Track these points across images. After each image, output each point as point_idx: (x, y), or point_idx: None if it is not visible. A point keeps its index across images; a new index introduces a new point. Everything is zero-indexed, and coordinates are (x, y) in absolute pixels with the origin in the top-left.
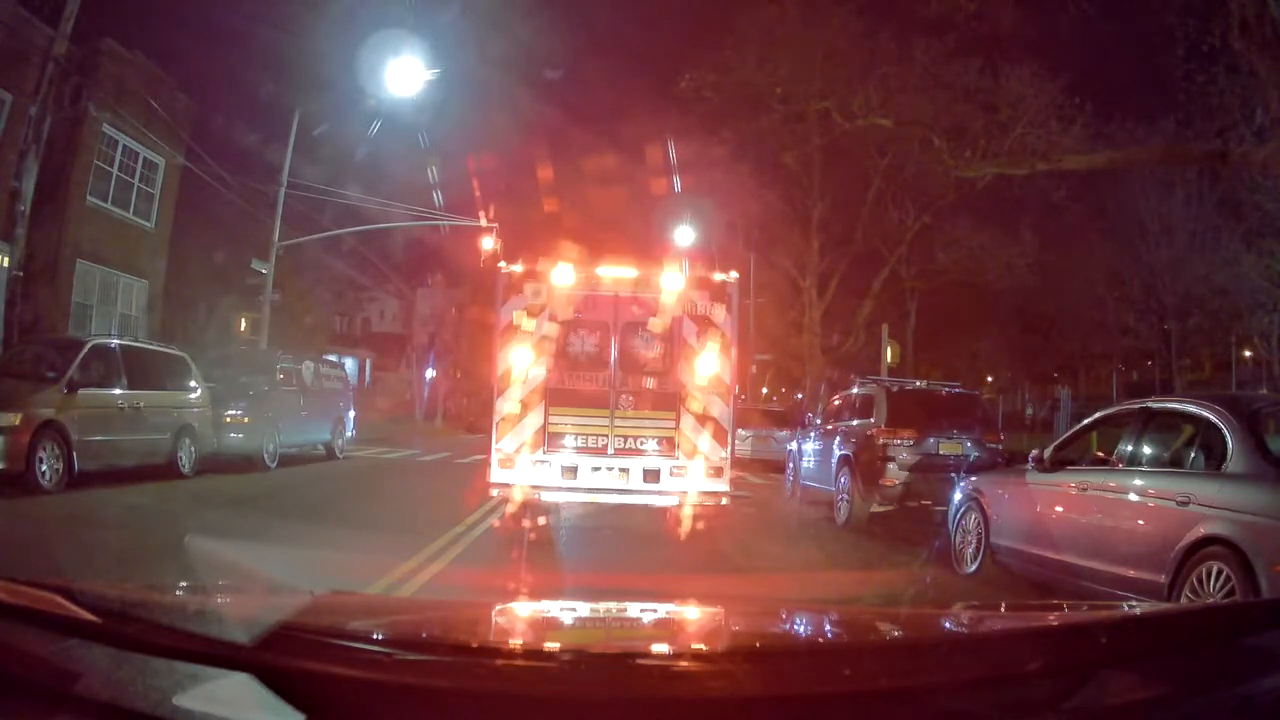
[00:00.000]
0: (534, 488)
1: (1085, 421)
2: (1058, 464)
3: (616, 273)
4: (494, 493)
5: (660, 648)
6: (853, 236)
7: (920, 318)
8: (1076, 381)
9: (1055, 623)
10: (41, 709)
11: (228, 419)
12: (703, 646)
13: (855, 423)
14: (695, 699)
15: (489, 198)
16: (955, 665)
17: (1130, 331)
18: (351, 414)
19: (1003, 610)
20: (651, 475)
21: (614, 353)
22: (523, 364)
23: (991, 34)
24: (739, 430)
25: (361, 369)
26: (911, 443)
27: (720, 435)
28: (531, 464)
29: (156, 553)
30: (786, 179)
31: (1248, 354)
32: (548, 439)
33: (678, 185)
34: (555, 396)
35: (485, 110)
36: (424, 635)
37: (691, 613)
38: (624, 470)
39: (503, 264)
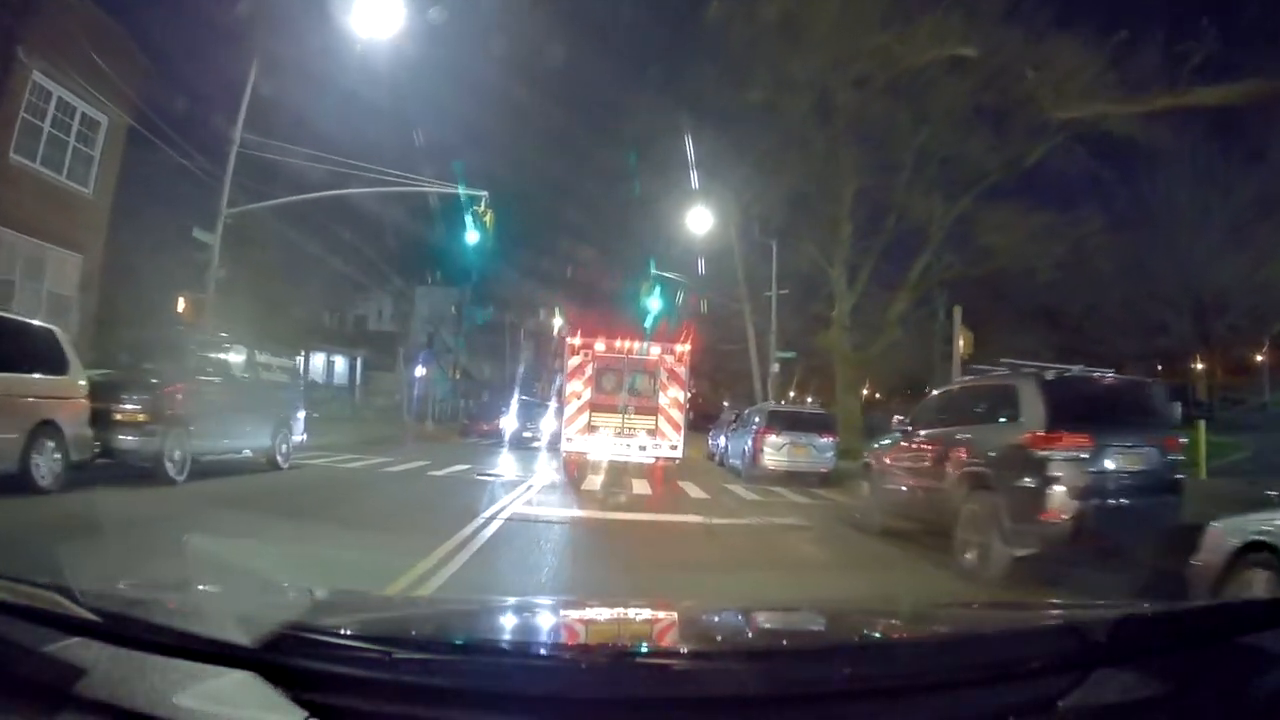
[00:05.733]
0: (582, 452)
1: None
2: None
3: (627, 345)
4: (564, 455)
5: (660, 648)
6: (884, 224)
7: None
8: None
9: (1055, 621)
10: (42, 708)
11: (118, 415)
12: (703, 646)
13: (985, 427)
14: (695, 699)
15: (476, 177)
16: (955, 665)
17: (1166, 330)
18: (301, 414)
19: (1003, 609)
20: (642, 448)
21: (625, 385)
22: (577, 389)
23: None
24: (771, 438)
25: (353, 368)
26: (1087, 455)
27: (677, 429)
28: (582, 441)
29: None
30: (813, 157)
31: None
32: (590, 428)
33: (693, 181)
34: (594, 407)
35: (471, 74)
36: (424, 635)
37: (692, 613)
38: (628, 445)
39: (567, 335)
